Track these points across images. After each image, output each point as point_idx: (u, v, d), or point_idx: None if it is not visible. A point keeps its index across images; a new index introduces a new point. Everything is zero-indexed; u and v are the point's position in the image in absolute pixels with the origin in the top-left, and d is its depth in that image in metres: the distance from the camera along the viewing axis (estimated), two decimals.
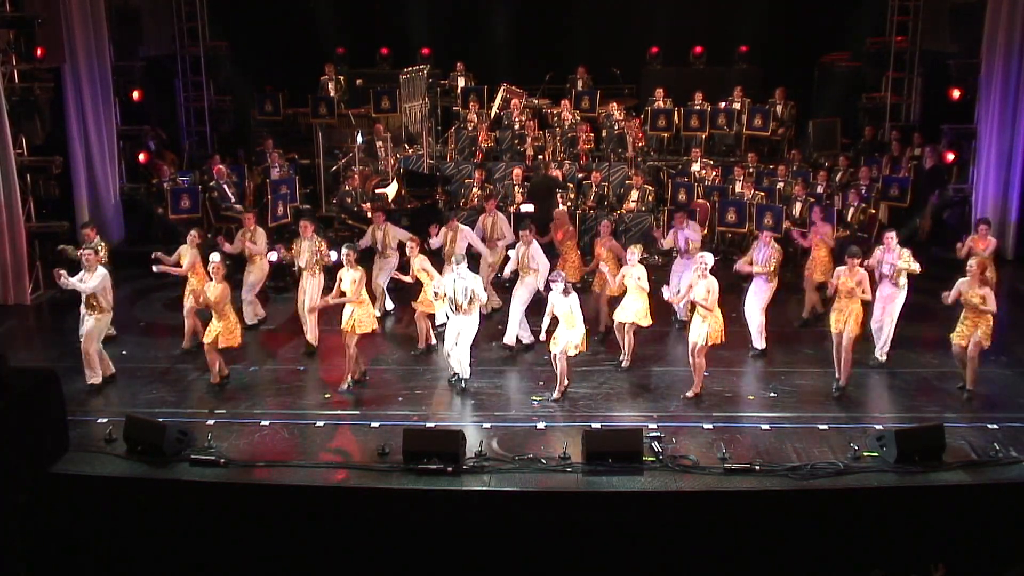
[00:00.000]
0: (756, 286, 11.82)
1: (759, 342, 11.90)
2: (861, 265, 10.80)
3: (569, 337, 10.55)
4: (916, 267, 11.29)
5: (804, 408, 10.71)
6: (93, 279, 10.82)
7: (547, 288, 11.03)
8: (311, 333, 12.09)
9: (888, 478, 9.17)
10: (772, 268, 11.68)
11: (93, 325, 10.91)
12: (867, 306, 11.03)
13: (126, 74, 16.73)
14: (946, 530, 9.03)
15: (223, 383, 11.15)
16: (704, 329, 10.53)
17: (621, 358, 11.64)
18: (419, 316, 11.96)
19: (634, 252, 11.38)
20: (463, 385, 11.01)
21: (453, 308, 10.86)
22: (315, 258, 11.95)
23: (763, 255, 11.77)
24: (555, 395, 10.74)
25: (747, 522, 9.08)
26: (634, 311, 11.26)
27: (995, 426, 10.10)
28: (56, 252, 12.70)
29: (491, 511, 9.09)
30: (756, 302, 11.79)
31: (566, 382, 10.78)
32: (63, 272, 10.91)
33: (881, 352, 11.60)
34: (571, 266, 12.83)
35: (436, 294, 11.16)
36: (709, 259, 10.76)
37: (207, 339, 10.98)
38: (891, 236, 11.47)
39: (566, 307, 10.50)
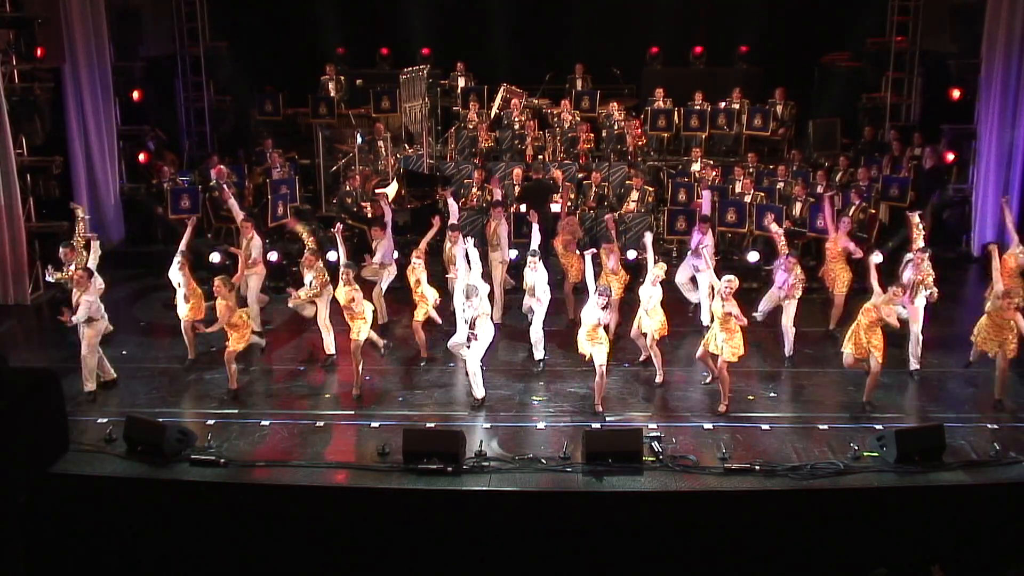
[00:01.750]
0: (785, 306, 11.75)
1: (789, 350, 11.88)
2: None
3: (596, 349, 10.52)
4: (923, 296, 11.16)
5: (804, 408, 10.73)
6: (82, 309, 10.59)
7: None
8: (329, 343, 11.95)
9: (888, 478, 9.18)
10: (798, 293, 11.65)
11: (90, 334, 10.78)
12: None
13: (126, 74, 16.71)
14: (946, 530, 9.04)
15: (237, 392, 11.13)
16: (727, 347, 10.38)
17: (640, 360, 11.65)
18: (416, 327, 11.82)
19: (659, 273, 11.16)
20: (476, 403, 10.74)
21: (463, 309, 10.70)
22: (316, 292, 11.53)
23: (784, 280, 11.68)
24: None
25: (747, 522, 9.08)
26: (657, 322, 11.11)
27: (995, 426, 10.11)
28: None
29: (491, 511, 9.09)
30: (788, 319, 11.77)
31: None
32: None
33: (915, 362, 11.38)
34: (574, 271, 12.76)
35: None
36: (735, 282, 10.53)
37: (231, 347, 10.90)
38: (924, 256, 11.21)
39: (595, 319, 10.48)
